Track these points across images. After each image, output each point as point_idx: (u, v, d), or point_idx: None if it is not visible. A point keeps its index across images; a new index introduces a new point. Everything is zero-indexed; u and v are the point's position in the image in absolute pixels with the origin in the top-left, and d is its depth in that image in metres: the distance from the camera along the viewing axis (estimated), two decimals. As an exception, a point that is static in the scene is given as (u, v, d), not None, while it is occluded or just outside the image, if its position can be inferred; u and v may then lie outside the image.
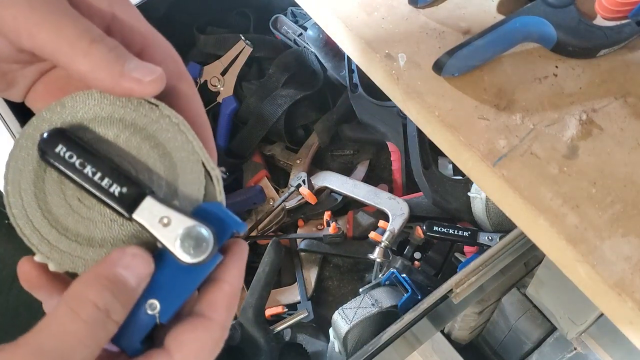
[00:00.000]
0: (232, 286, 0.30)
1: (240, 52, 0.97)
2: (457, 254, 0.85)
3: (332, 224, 0.88)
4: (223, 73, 0.97)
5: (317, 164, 1.01)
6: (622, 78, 0.50)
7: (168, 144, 0.31)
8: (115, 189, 0.28)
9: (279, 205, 0.91)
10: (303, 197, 0.91)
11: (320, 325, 0.87)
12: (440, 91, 0.50)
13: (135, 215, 0.28)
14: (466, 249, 0.85)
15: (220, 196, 0.31)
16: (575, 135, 0.47)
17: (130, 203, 0.28)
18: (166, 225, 0.28)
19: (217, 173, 0.31)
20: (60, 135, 0.29)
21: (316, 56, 0.96)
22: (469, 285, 0.66)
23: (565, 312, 0.75)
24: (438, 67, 0.49)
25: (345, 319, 0.75)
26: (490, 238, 0.79)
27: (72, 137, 0.29)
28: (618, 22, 0.49)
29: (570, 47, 0.50)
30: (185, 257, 0.28)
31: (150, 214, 0.28)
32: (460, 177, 0.86)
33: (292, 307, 0.87)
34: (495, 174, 0.46)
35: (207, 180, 0.31)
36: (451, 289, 0.66)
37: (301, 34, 0.98)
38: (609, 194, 0.44)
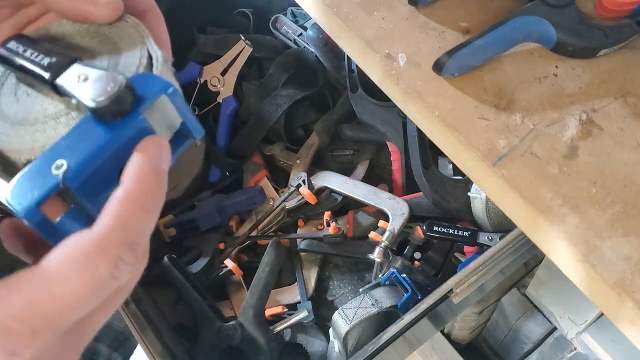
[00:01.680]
0: (125, 190, 0.26)
1: (240, 52, 0.97)
2: (457, 254, 0.85)
3: (332, 224, 0.88)
4: (223, 73, 0.97)
5: (317, 164, 1.01)
6: (622, 78, 0.50)
7: (120, 40, 0.32)
8: (45, 60, 0.29)
9: (279, 205, 0.91)
10: (303, 197, 0.91)
11: (320, 325, 0.87)
12: (440, 91, 0.50)
13: (58, 80, 0.28)
14: (466, 249, 0.85)
15: (157, 72, 0.31)
16: (575, 135, 0.47)
17: (56, 69, 0.29)
18: (84, 80, 0.28)
19: (158, 54, 0.32)
20: (19, 36, 0.31)
21: (316, 56, 0.96)
22: (469, 285, 0.66)
23: (565, 312, 0.75)
24: (438, 67, 0.49)
25: (345, 319, 0.75)
26: (490, 238, 0.79)
27: (29, 36, 0.31)
28: (618, 22, 0.49)
29: (570, 47, 0.50)
30: (89, 100, 0.27)
31: (72, 76, 0.28)
32: (460, 177, 0.86)
33: (292, 307, 0.87)
34: (495, 174, 0.46)
35: (153, 65, 0.32)
36: (451, 289, 0.66)
37: (301, 34, 0.98)
38: (609, 194, 0.44)
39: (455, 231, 0.80)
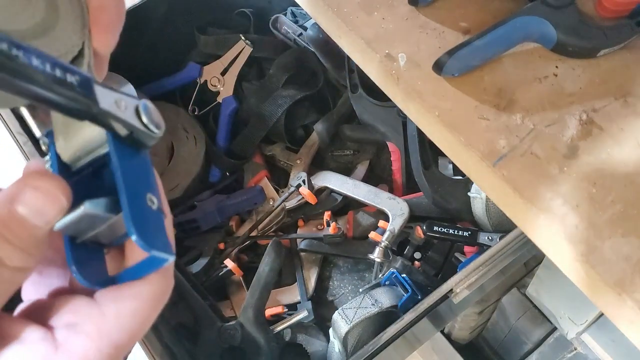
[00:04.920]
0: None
1: (240, 52, 0.97)
2: (457, 254, 0.85)
3: (332, 224, 0.88)
4: (223, 73, 0.97)
5: (317, 164, 1.01)
6: (622, 78, 0.50)
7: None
8: (72, 79, 0.24)
9: (279, 205, 0.91)
10: (303, 197, 0.91)
11: (320, 325, 0.87)
12: (440, 91, 0.50)
13: (102, 105, 0.25)
14: (466, 249, 0.85)
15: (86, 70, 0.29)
16: (575, 135, 0.47)
17: (91, 92, 0.25)
18: (124, 108, 0.26)
19: (91, 59, 0.29)
20: None
21: (316, 56, 0.96)
22: (469, 285, 0.66)
23: (565, 312, 0.75)
24: (438, 67, 0.49)
25: (345, 319, 0.75)
26: (490, 238, 0.79)
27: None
28: (618, 22, 0.49)
29: (570, 47, 0.50)
30: (155, 132, 0.27)
31: (108, 100, 0.25)
32: (460, 177, 0.86)
33: (292, 307, 0.87)
34: (495, 174, 0.46)
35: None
36: (451, 289, 0.66)
37: (301, 34, 0.98)
38: (609, 194, 0.44)
39: (455, 231, 0.80)
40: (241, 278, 0.89)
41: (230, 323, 0.76)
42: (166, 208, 0.28)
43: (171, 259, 0.26)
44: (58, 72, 0.23)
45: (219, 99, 0.97)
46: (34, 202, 0.23)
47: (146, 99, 0.27)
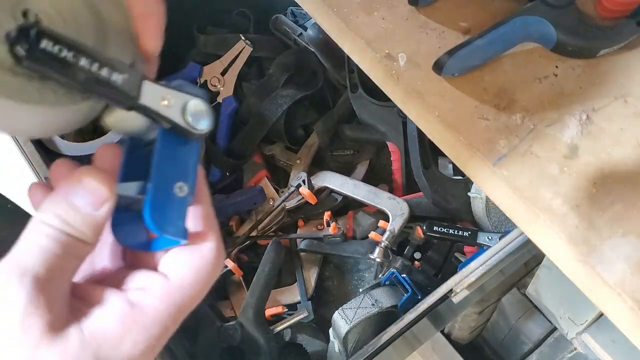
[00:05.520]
0: (209, 210, 0.33)
1: (240, 52, 0.97)
2: (457, 254, 0.85)
3: (332, 224, 0.88)
4: (223, 73, 0.97)
5: (317, 164, 1.01)
6: (622, 78, 0.50)
7: (109, 19, 0.29)
8: (117, 78, 0.27)
9: (279, 205, 0.91)
10: (303, 197, 0.91)
11: (320, 325, 0.87)
12: (440, 91, 0.50)
13: (141, 100, 0.28)
14: (466, 249, 0.85)
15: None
16: (575, 135, 0.47)
17: (135, 89, 0.28)
18: (169, 104, 0.29)
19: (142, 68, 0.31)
20: (42, 31, 0.25)
21: (316, 56, 0.96)
22: (469, 285, 0.66)
23: (565, 312, 0.75)
24: (438, 67, 0.49)
25: (345, 319, 0.75)
26: (490, 238, 0.79)
27: (53, 31, 0.25)
28: (618, 22, 0.49)
29: (570, 47, 0.50)
30: (197, 129, 0.29)
31: (152, 96, 0.28)
32: (460, 177, 0.86)
33: (292, 307, 0.87)
34: (495, 174, 0.46)
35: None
36: (451, 289, 0.66)
37: (301, 34, 0.98)
38: (609, 194, 0.44)
39: (455, 231, 0.80)
40: (241, 278, 0.89)
41: (230, 323, 0.76)
42: (201, 193, 0.32)
43: (182, 242, 0.30)
44: (104, 72, 0.26)
45: (219, 99, 0.97)
46: (82, 194, 0.28)
47: (200, 98, 0.30)
